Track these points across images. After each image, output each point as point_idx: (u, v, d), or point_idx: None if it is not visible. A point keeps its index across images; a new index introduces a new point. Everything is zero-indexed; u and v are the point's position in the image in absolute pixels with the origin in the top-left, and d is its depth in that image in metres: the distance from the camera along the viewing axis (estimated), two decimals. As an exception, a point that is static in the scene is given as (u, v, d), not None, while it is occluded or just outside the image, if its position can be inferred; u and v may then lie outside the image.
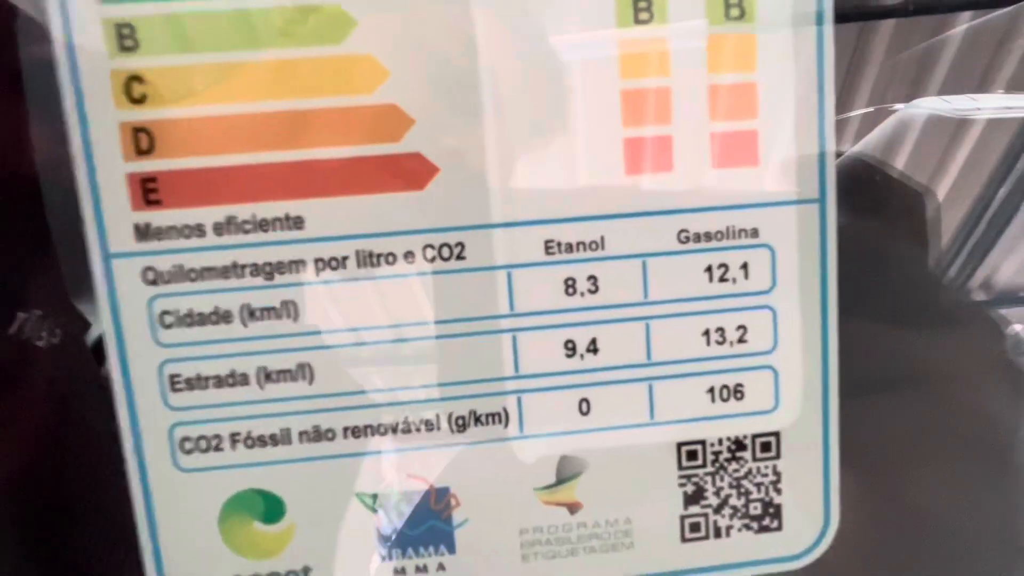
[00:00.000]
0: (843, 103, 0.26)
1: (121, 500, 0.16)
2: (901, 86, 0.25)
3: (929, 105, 0.24)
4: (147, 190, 0.15)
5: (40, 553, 0.18)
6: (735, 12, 0.15)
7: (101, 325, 0.15)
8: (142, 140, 0.15)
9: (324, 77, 0.15)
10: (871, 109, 0.24)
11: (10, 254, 0.17)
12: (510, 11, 0.15)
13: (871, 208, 0.21)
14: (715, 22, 0.15)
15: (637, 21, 0.15)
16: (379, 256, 0.15)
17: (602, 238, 0.15)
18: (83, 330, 0.19)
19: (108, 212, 0.15)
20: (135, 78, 0.14)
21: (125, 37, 0.14)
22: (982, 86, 0.26)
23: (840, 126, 0.25)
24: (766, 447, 0.16)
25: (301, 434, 0.15)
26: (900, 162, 0.24)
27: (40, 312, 0.18)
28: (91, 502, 0.18)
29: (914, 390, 0.19)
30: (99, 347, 0.18)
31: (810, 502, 0.17)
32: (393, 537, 0.16)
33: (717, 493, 0.16)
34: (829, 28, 0.15)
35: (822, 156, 0.16)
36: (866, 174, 0.23)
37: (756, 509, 0.17)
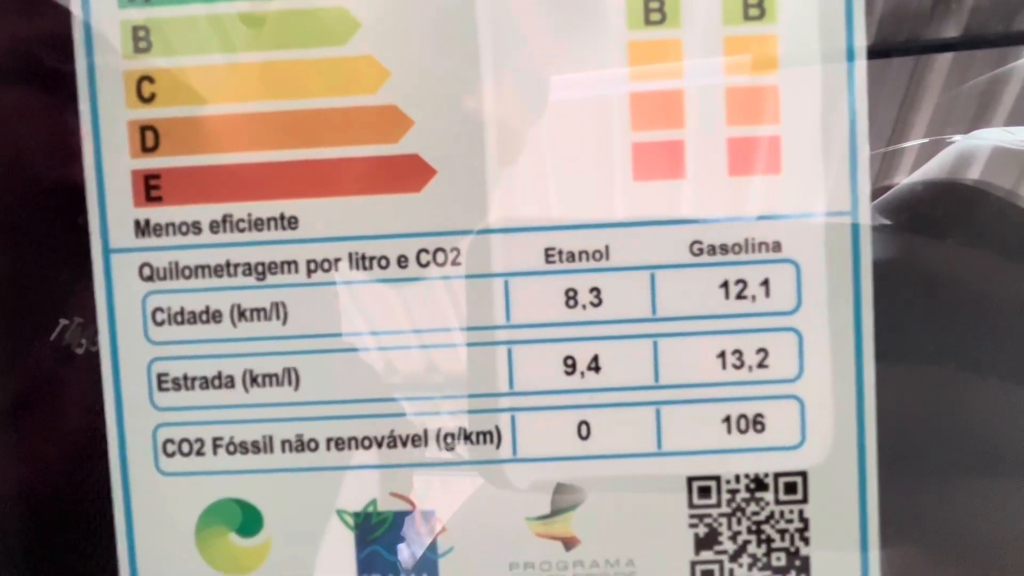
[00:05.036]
0: (899, 135, 0.24)
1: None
2: (961, 119, 0.23)
3: (991, 136, 0.22)
4: (150, 187, 0.15)
5: (44, 557, 0.18)
6: (755, 12, 0.14)
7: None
8: (148, 138, 0.15)
9: (328, 78, 0.15)
10: (926, 140, 0.23)
11: (53, 262, 0.18)
12: (515, 11, 0.14)
13: (985, 240, 0.19)
14: (732, 22, 0.14)
15: (648, 22, 0.14)
16: (372, 259, 0.15)
17: (607, 247, 0.14)
18: None
19: (112, 207, 0.15)
20: (146, 78, 0.15)
21: (140, 39, 0.15)
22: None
23: (895, 157, 0.24)
24: (791, 488, 0.15)
25: (283, 443, 0.15)
26: None
27: (80, 320, 0.18)
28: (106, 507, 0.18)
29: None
30: None
31: (844, 557, 0.14)
32: (374, 562, 0.15)
33: (734, 538, 0.15)
34: (860, 26, 0.14)
35: (854, 165, 0.14)
36: (974, 200, 0.20)
37: (779, 560, 0.15)
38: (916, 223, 0.19)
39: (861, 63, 0.14)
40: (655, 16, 0.14)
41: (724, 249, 0.14)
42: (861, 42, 0.14)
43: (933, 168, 0.22)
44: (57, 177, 0.17)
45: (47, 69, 0.16)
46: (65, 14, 0.15)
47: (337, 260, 0.15)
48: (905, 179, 0.22)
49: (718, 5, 0.14)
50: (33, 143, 0.17)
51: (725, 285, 0.14)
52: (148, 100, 0.15)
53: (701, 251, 0.14)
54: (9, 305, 0.17)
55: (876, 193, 0.21)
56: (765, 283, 0.14)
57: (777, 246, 0.14)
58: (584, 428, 0.15)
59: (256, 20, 0.15)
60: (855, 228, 0.14)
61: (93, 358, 0.18)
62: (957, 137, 0.23)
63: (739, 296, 0.14)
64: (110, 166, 0.15)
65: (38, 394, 0.17)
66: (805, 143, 0.14)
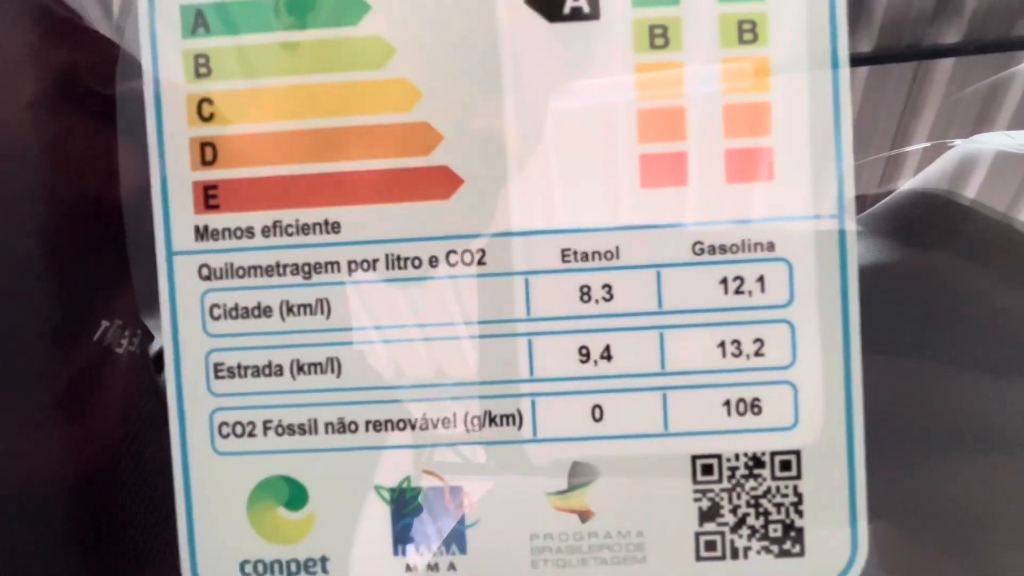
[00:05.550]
0: (902, 139, 0.26)
1: (169, 492, 0.17)
2: (964, 123, 0.24)
3: (991, 140, 0.23)
4: (208, 196, 0.17)
5: (99, 540, 0.19)
6: (748, 36, 0.16)
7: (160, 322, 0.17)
8: (207, 152, 0.17)
9: (367, 98, 0.16)
10: (928, 144, 0.24)
11: (97, 269, 0.20)
12: (535, 40, 0.16)
13: (963, 248, 0.20)
14: (728, 45, 0.16)
15: (653, 46, 0.16)
16: (406, 260, 0.16)
17: (617, 248, 0.16)
18: (148, 342, 0.21)
19: (175, 214, 0.17)
20: (206, 99, 0.17)
21: (201, 65, 0.17)
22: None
23: (897, 161, 0.25)
24: (786, 465, 0.16)
25: (327, 425, 0.16)
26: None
27: (120, 321, 0.20)
28: (147, 494, 0.20)
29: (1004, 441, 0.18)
30: (159, 358, 0.20)
31: (835, 529, 0.16)
32: (407, 533, 0.16)
33: (734, 511, 0.16)
34: (844, 48, 0.16)
35: (840, 172, 0.16)
36: (953, 211, 0.22)
37: (776, 531, 0.16)
38: (903, 230, 0.20)
39: (845, 81, 0.16)
40: (659, 41, 0.16)
41: (723, 249, 0.16)
42: (845, 62, 0.16)
43: (935, 172, 0.23)
44: (102, 195, 0.19)
45: (114, 92, 0.18)
46: (134, 44, 0.17)
47: (375, 261, 0.16)
48: (906, 183, 0.23)
49: (715, 30, 0.16)
50: (89, 163, 0.19)
51: (724, 281, 0.16)
52: (207, 119, 0.17)
53: (702, 251, 0.16)
54: (57, 308, 0.19)
55: (879, 197, 0.23)
56: (760, 279, 0.16)
57: (771, 246, 0.16)
58: (598, 411, 0.16)
59: (305, 48, 0.16)
60: (841, 229, 0.16)
61: (133, 356, 0.20)
62: (958, 141, 0.24)
63: (737, 291, 0.16)
64: (173, 178, 0.17)
65: (85, 388, 0.19)
66: (795, 153, 0.16)
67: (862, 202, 0.23)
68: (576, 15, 0.16)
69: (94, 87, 0.19)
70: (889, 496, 0.16)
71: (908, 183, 0.23)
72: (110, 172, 0.19)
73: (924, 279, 0.20)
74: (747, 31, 0.16)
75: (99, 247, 0.19)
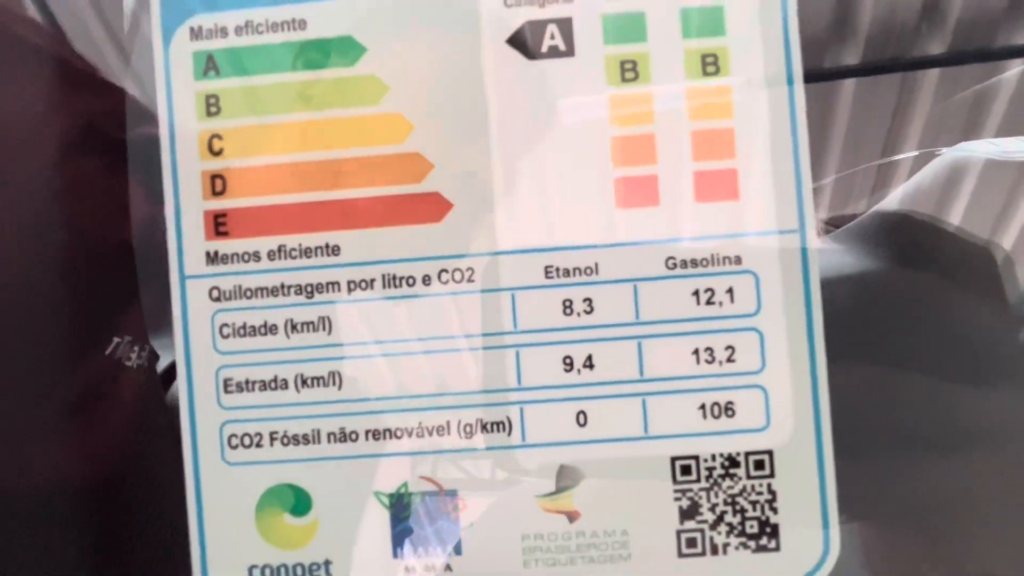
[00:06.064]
0: (892, 148, 0.27)
1: (176, 499, 0.18)
2: (952, 131, 0.26)
3: (976, 148, 0.24)
4: (218, 224, 0.18)
5: (111, 543, 0.20)
6: (711, 68, 0.17)
7: (172, 343, 0.19)
8: (217, 184, 0.18)
9: (363, 131, 0.18)
10: (916, 153, 0.25)
11: (109, 291, 0.21)
12: (516, 76, 0.18)
13: (930, 266, 0.22)
14: (693, 77, 0.17)
15: (624, 80, 0.18)
16: (401, 279, 0.18)
17: (596, 264, 0.17)
18: (156, 359, 0.22)
19: (187, 241, 0.18)
20: (216, 136, 0.18)
21: (211, 105, 0.18)
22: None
23: (888, 170, 0.26)
24: (759, 465, 0.17)
25: (329, 435, 0.18)
26: (959, 208, 0.24)
27: (131, 338, 0.22)
28: (154, 500, 0.21)
29: (983, 447, 0.19)
30: (166, 374, 0.21)
31: (808, 525, 0.17)
32: (406, 536, 0.18)
33: (712, 509, 0.17)
34: (798, 68, 0.17)
35: (799, 189, 0.17)
36: (921, 231, 0.23)
37: (752, 528, 0.17)
38: (870, 247, 0.22)
39: (801, 102, 0.17)
40: (629, 75, 0.17)
41: (694, 263, 0.17)
42: (799, 80, 0.17)
43: (924, 179, 0.25)
44: (114, 227, 0.21)
45: (128, 135, 0.20)
46: (151, 87, 0.18)
47: (372, 280, 0.18)
48: (896, 189, 0.25)
49: (681, 63, 0.17)
50: (104, 200, 0.21)
51: (696, 293, 0.17)
52: (217, 153, 0.18)
53: (675, 265, 0.17)
54: (73, 325, 0.20)
55: (872, 202, 0.24)
56: (730, 291, 0.17)
57: (738, 260, 0.17)
58: (582, 417, 0.17)
59: (306, 87, 0.18)
60: (803, 242, 0.17)
61: (141, 369, 0.21)
62: (945, 150, 0.25)
63: (708, 302, 0.17)
64: (186, 208, 0.18)
65: (99, 397, 0.20)
66: (757, 173, 0.17)
67: (851, 215, 0.24)
68: (553, 53, 0.17)
69: (109, 131, 0.20)
70: (855, 489, 0.17)
71: (898, 189, 0.24)
72: (123, 208, 0.20)
73: (895, 292, 0.21)
74: (710, 63, 0.17)
75: (111, 272, 0.21)
